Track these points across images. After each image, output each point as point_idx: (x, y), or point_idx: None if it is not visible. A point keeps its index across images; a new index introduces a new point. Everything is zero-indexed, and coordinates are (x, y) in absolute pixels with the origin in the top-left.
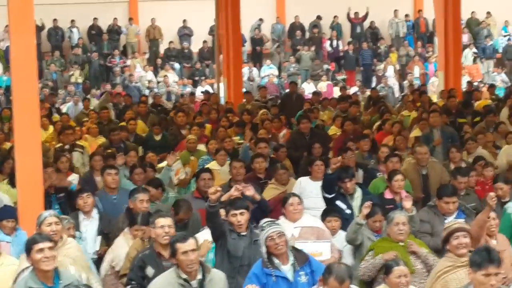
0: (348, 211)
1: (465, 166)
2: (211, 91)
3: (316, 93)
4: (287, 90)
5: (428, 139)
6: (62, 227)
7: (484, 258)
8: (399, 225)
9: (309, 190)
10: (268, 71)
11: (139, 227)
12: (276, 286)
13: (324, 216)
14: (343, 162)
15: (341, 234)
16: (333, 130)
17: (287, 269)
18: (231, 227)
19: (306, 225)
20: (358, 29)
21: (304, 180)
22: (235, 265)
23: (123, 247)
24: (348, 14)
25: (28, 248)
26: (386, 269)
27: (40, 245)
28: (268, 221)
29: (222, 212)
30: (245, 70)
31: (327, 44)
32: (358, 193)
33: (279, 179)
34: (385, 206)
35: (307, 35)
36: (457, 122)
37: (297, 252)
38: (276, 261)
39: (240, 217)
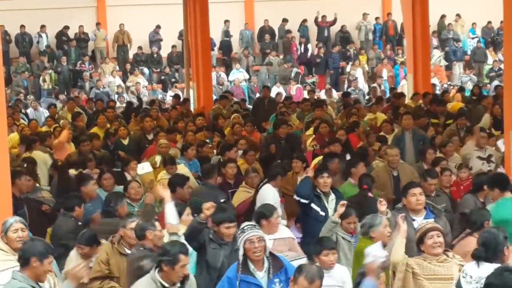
0: (322, 213)
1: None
2: (181, 95)
3: (287, 98)
4: (258, 95)
5: (399, 141)
6: (27, 234)
7: None
8: (387, 227)
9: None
10: (237, 75)
11: (79, 245)
12: None
13: (320, 248)
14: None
15: (339, 268)
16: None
17: (261, 276)
18: (212, 236)
19: (279, 236)
20: (326, 33)
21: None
22: (213, 276)
23: (73, 261)
24: (316, 18)
25: None
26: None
27: None
28: (249, 225)
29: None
30: (214, 74)
31: (297, 48)
32: (333, 197)
33: (250, 183)
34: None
35: (277, 39)
36: (430, 123)
37: (273, 258)
38: (251, 266)
39: (233, 230)
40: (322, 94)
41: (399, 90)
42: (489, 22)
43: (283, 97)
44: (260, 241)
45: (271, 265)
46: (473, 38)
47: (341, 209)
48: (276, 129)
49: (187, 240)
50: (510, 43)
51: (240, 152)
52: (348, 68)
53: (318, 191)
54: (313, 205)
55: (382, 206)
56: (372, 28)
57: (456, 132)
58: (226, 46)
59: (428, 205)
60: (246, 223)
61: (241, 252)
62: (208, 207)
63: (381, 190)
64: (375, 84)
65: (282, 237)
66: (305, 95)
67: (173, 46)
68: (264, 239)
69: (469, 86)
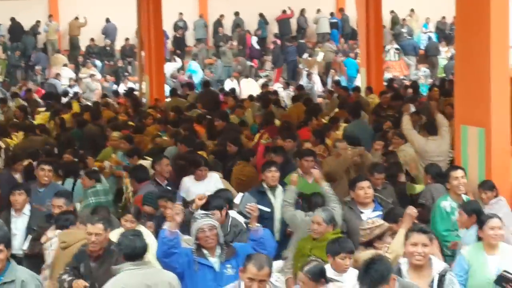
0: (267, 210)
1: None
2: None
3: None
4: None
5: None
6: None
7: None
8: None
9: (193, 191)
10: (191, 68)
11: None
12: (202, 274)
13: (337, 251)
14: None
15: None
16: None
17: (214, 260)
18: None
19: None
20: (283, 26)
21: (188, 180)
22: None
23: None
24: (272, 12)
25: None
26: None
27: None
28: (202, 213)
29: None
30: (168, 67)
31: (252, 41)
32: (280, 190)
33: (199, 175)
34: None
35: (231, 32)
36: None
37: (226, 245)
38: (205, 251)
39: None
40: (276, 87)
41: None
42: (443, 18)
43: (240, 92)
44: (211, 230)
45: (224, 251)
46: (426, 33)
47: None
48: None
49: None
50: (462, 38)
51: None
52: (303, 61)
53: (265, 186)
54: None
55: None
56: (328, 23)
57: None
58: (179, 39)
59: (376, 198)
60: (200, 211)
61: (193, 240)
62: (201, 197)
63: (336, 182)
64: (329, 77)
65: None
66: (259, 88)
67: (126, 39)
68: (216, 227)
69: (423, 80)
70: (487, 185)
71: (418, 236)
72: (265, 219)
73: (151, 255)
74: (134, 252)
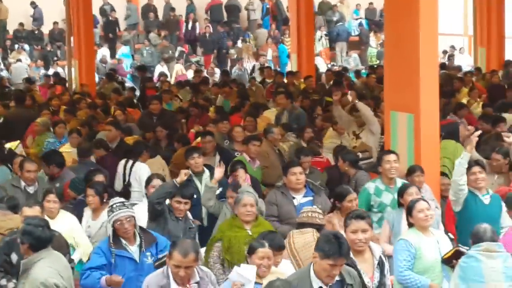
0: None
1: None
2: (62, 73)
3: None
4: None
5: (278, 119)
6: None
7: (335, 250)
8: (247, 206)
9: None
10: (121, 53)
11: None
12: (122, 266)
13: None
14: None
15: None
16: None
17: (134, 250)
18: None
19: None
20: (215, 12)
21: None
22: None
23: None
24: None
25: None
26: (250, 249)
27: None
28: (118, 202)
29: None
30: (98, 52)
31: (183, 26)
32: (206, 175)
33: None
34: None
35: (161, 17)
36: (325, 101)
37: (144, 233)
38: (123, 241)
39: (184, 206)
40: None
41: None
42: (371, 4)
43: (171, 77)
44: (129, 221)
45: (143, 239)
46: (356, 19)
47: (218, 175)
48: (149, 105)
49: (157, 202)
50: (391, 25)
51: None
52: (233, 48)
53: (190, 173)
54: None
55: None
56: (259, 8)
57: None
58: (109, 24)
59: (308, 183)
60: (116, 199)
61: (110, 230)
62: (186, 173)
63: (270, 168)
64: (258, 63)
65: None
66: (190, 74)
67: (55, 23)
68: (134, 216)
69: (353, 67)
70: (419, 168)
71: (357, 222)
72: (193, 205)
73: (77, 236)
74: (39, 242)
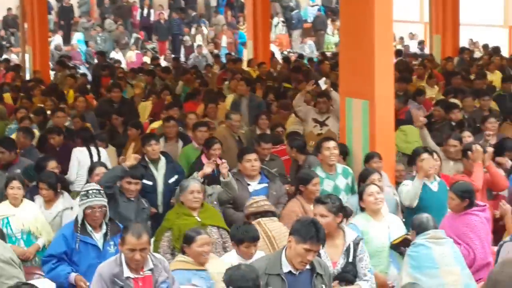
0: (149, 183)
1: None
2: (16, 60)
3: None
4: (96, 61)
5: (237, 106)
6: None
7: (312, 234)
8: (194, 193)
9: (83, 161)
10: (76, 40)
11: None
12: (85, 252)
13: (241, 239)
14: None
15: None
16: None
17: (98, 237)
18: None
19: None
20: None
21: (78, 151)
22: None
23: None
24: None
25: None
26: (187, 239)
27: None
28: (94, 189)
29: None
30: (53, 39)
31: (137, 13)
32: (163, 162)
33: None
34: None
35: (117, 3)
36: (283, 87)
37: (111, 223)
38: (89, 228)
39: (134, 186)
40: (162, 60)
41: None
42: None
43: (123, 64)
44: (101, 210)
45: (109, 228)
46: (313, 6)
47: (208, 169)
48: (109, 92)
49: (106, 186)
50: (346, 11)
51: None
52: (189, 34)
53: (146, 159)
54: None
55: (224, 169)
56: None
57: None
58: (64, 10)
59: (263, 170)
60: (91, 185)
61: (80, 214)
62: (136, 157)
63: (226, 153)
64: (215, 50)
65: None
66: (146, 61)
67: (9, 9)
68: (106, 206)
69: (309, 53)
70: (377, 155)
71: (317, 207)
72: (148, 192)
73: (41, 225)
74: None
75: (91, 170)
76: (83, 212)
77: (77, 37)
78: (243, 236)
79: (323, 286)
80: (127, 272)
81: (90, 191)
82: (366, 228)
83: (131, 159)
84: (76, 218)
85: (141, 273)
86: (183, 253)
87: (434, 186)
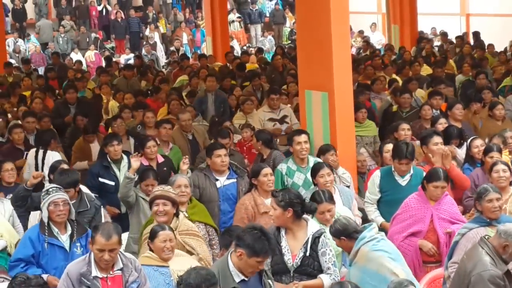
0: (111, 183)
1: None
2: None
3: (78, 62)
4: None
5: (202, 102)
6: None
7: (265, 248)
8: (181, 187)
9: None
10: (33, 42)
11: None
12: (53, 254)
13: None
14: (113, 130)
15: None
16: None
17: (64, 239)
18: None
19: None
20: None
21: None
22: None
23: None
24: None
25: None
26: (151, 234)
27: None
28: (54, 187)
29: None
30: (10, 41)
31: (95, 13)
32: (125, 162)
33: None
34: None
35: (73, 3)
36: (230, 84)
37: (77, 224)
38: (55, 229)
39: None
40: (121, 59)
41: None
42: None
43: (83, 65)
44: (65, 204)
45: (75, 229)
46: (270, 0)
47: (135, 164)
48: (64, 94)
49: (17, 206)
50: (302, 4)
51: None
52: (146, 32)
53: (109, 159)
54: (100, 179)
55: (184, 165)
56: None
57: (253, 93)
58: (19, 12)
59: (232, 165)
60: (51, 185)
61: (45, 213)
62: (36, 175)
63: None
64: (173, 47)
65: None
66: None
67: None
68: (69, 202)
69: (268, 48)
70: (332, 148)
71: (271, 199)
72: (110, 192)
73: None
74: None
75: (53, 170)
76: (48, 210)
77: (33, 39)
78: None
79: (269, 281)
80: (95, 272)
81: (50, 189)
82: None
83: (31, 178)
84: (42, 220)
85: (111, 272)
86: (151, 249)
87: (404, 180)
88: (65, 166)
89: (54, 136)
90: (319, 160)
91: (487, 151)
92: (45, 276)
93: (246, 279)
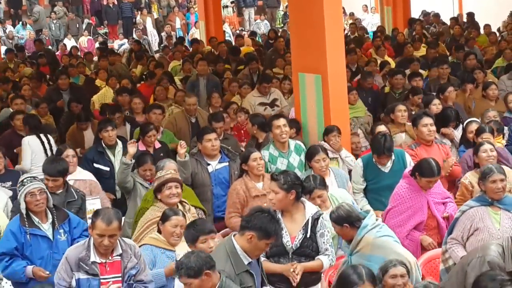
0: (106, 168)
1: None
2: None
3: (75, 48)
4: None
5: (194, 86)
6: None
7: (276, 230)
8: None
9: (37, 149)
10: (28, 29)
11: None
12: (37, 244)
13: (196, 237)
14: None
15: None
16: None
17: (46, 228)
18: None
19: (79, 178)
20: None
21: (28, 139)
22: None
23: None
24: None
25: None
26: (164, 217)
27: None
28: (28, 177)
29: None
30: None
31: None
32: (119, 147)
33: None
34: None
35: None
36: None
37: (57, 210)
38: (35, 219)
39: (52, 183)
40: (115, 45)
41: (192, 37)
42: None
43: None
44: (41, 193)
45: (55, 216)
46: None
47: (132, 150)
48: (56, 80)
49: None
50: None
51: None
52: (139, 17)
53: (103, 145)
54: (95, 165)
55: (182, 148)
56: None
57: (249, 76)
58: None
59: (223, 149)
60: (26, 175)
61: (23, 205)
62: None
63: (179, 136)
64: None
65: (83, 178)
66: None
67: None
68: (46, 191)
69: (263, 31)
70: (336, 129)
71: (271, 183)
72: (105, 178)
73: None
74: None
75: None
76: (25, 202)
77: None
78: (197, 232)
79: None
80: (93, 257)
81: (25, 180)
82: None
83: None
84: (21, 212)
85: (110, 258)
86: (159, 232)
87: (386, 167)
88: (70, 151)
89: (39, 119)
90: (298, 143)
91: (479, 132)
92: (30, 268)
93: (252, 260)
